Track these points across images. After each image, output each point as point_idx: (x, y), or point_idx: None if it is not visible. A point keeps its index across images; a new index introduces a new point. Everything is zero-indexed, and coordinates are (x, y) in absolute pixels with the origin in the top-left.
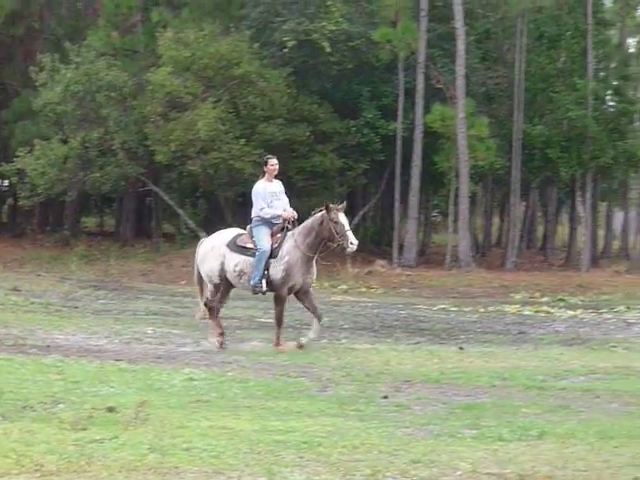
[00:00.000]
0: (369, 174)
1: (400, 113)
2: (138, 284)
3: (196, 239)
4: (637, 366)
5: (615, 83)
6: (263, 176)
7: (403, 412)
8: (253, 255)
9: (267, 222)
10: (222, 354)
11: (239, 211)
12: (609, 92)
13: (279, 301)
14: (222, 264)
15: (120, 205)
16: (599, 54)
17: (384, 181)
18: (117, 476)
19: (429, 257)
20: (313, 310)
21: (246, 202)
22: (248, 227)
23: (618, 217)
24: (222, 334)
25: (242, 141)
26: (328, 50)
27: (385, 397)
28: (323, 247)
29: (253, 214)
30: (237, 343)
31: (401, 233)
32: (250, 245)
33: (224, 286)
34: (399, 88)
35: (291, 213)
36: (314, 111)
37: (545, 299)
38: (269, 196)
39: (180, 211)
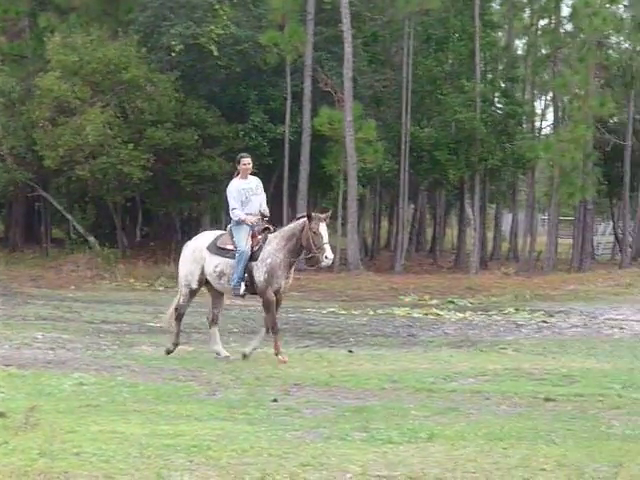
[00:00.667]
0: (257, 178)
1: (288, 117)
2: (27, 289)
3: (85, 244)
4: (526, 368)
5: (503, 85)
6: (237, 175)
7: (293, 415)
8: (233, 257)
9: (244, 223)
10: (112, 359)
11: (128, 216)
12: (497, 94)
13: (267, 306)
14: (202, 267)
15: (9, 210)
16: (487, 56)
17: (272, 185)
18: None
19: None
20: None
21: (135, 207)
22: (228, 227)
23: (507, 219)
24: (176, 345)
25: (130, 146)
26: (216, 54)
27: (275, 400)
28: (303, 253)
29: (232, 214)
30: (127, 347)
31: None
32: (230, 246)
33: (213, 292)
34: (287, 92)
35: (253, 218)
36: (202, 115)
37: (434, 301)
38: (243, 194)
39: (69, 216)
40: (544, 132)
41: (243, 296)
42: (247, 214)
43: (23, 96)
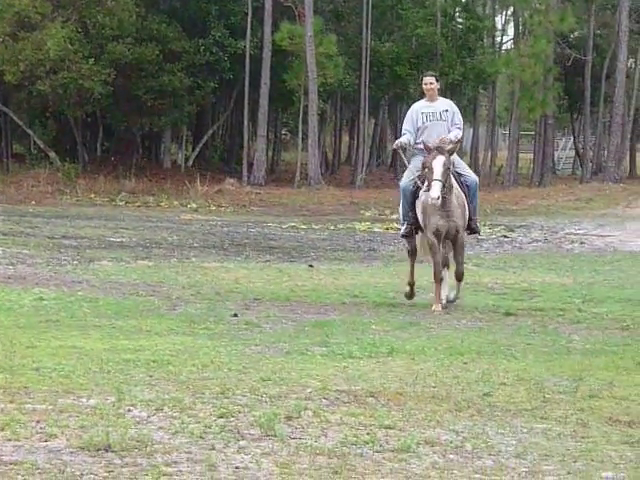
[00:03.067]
0: (218, 93)
1: (248, 31)
2: None
3: (46, 159)
4: (487, 282)
5: (464, 0)
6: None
7: (253, 330)
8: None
9: (423, 151)
10: (72, 274)
11: (88, 131)
12: (458, 9)
13: (430, 249)
14: None
15: None
16: None
17: (233, 100)
18: None
19: (279, 175)
20: (456, 264)
21: (96, 122)
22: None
23: (468, 133)
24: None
25: (91, 60)
26: None
27: (235, 315)
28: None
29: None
30: (87, 262)
31: (250, 151)
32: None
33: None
34: (247, 6)
35: (404, 139)
36: (163, 30)
37: (395, 216)
38: (422, 117)
39: (30, 131)
40: (505, 47)
41: (408, 239)
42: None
43: None
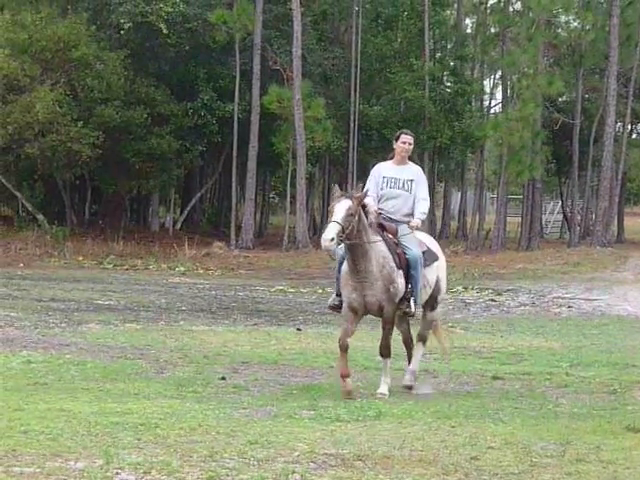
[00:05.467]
0: (206, 156)
1: (237, 95)
2: None
3: (34, 222)
4: (475, 346)
5: (452, 64)
6: (390, 158)
7: (241, 393)
8: None
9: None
10: (60, 337)
11: (77, 194)
12: (446, 73)
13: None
14: None
15: None
16: (436, 35)
17: (221, 163)
18: None
19: (267, 238)
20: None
21: (84, 185)
22: None
23: (456, 197)
24: None
25: (80, 123)
26: (165, 32)
27: (223, 378)
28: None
29: None
30: (75, 325)
31: (238, 215)
32: None
33: None
34: (236, 70)
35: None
36: (151, 93)
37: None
38: (381, 183)
39: (18, 194)
40: (493, 111)
41: (337, 310)
42: (380, 210)
43: None
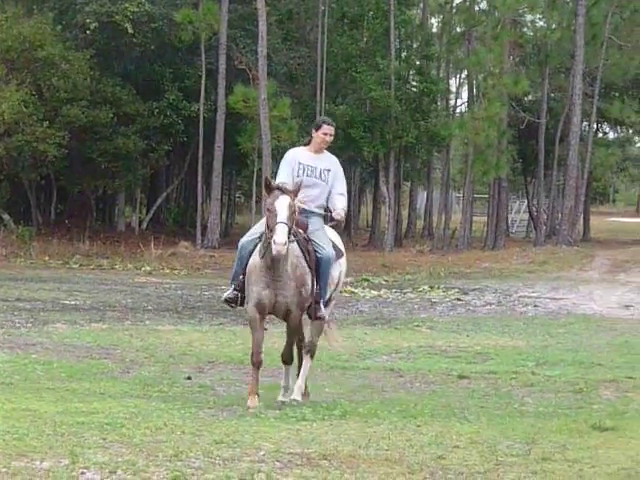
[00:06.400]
0: (172, 156)
1: (202, 94)
2: None
3: (0, 222)
4: (440, 345)
5: (417, 63)
6: (307, 144)
7: (206, 393)
8: None
9: None
10: (26, 337)
11: (43, 193)
12: (412, 72)
13: (249, 325)
14: None
15: None
16: (401, 34)
17: (187, 162)
18: None
19: (233, 238)
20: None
21: (50, 184)
22: None
23: (422, 197)
24: None
25: (46, 123)
26: (130, 32)
27: (188, 378)
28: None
29: None
30: (41, 325)
31: (204, 214)
32: None
33: None
34: (201, 69)
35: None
36: (117, 93)
37: (349, 279)
38: (297, 169)
39: None
40: (459, 110)
41: (233, 306)
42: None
43: None
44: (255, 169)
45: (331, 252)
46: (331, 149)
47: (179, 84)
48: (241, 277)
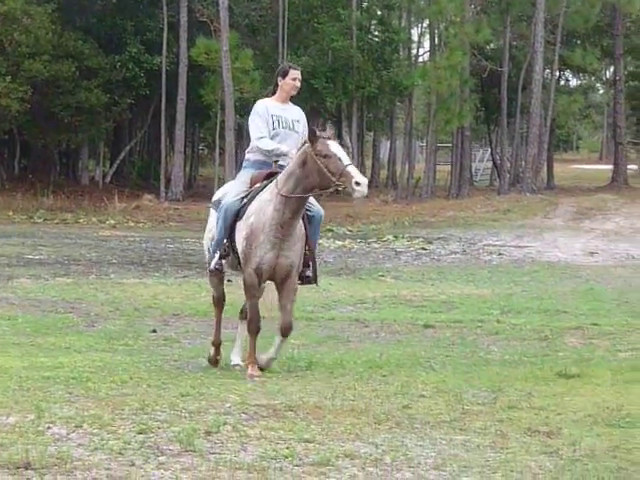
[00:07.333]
0: (135, 109)
1: (164, 47)
2: None
3: None
4: (405, 295)
5: (379, 13)
6: (272, 94)
7: (172, 346)
8: None
9: (259, 163)
10: None
11: (6, 148)
12: (373, 22)
13: (245, 290)
14: (209, 229)
15: None
16: None
17: (150, 116)
18: None
19: (196, 190)
20: (282, 314)
21: (13, 139)
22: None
23: (385, 146)
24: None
25: (8, 78)
26: None
27: (154, 331)
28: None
29: (247, 150)
30: (5, 280)
31: (168, 167)
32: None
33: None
34: (163, 22)
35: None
36: (79, 47)
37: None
38: (275, 122)
39: None
40: (421, 59)
41: (221, 272)
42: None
43: None
44: (218, 121)
45: (321, 210)
46: (294, 100)
47: (141, 37)
48: (225, 241)
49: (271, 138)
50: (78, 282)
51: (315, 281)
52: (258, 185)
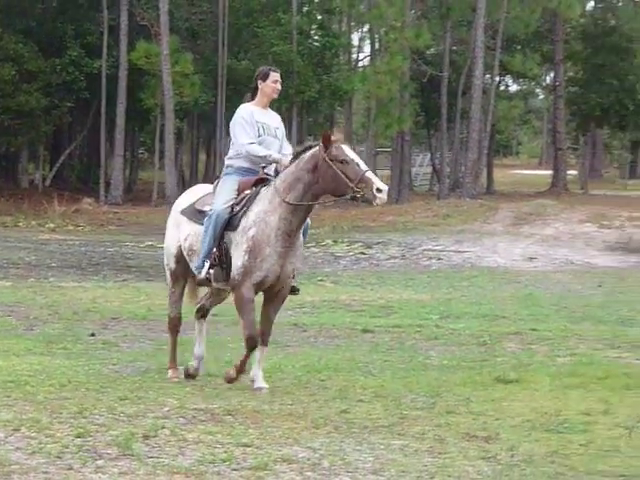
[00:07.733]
0: (75, 112)
1: (104, 51)
2: None
3: None
4: (344, 299)
5: (319, 17)
6: (251, 99)
7: (110, 349)
8: None
9: (243, 170)
10: None
11: None
12: (313, 27)
13: (239, 306)
14: (179, 238)
15: None
16: None
17: (90, 119)
18: None
19: (136, 194)
20: (264, 323)
21: None
22: (216, 181)
23: None
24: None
25: None
26: None
27: (92, 335)
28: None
29: (228, 156)
30: None
31: (108, 171)
32: (208, 207)
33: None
34: (103, 25)
35: (286, 159)
36: (19, 50)
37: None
38: (259, 128)
39: None
40: (361, 64)
41: (209, 283)
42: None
43: None
44: (158, 125)
45: (308, 219)
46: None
47: (81, 40)
48: (215, 250)
49: (259, 144)
50: (17, 285)
51: (298, 290)
52: (248, 192)
